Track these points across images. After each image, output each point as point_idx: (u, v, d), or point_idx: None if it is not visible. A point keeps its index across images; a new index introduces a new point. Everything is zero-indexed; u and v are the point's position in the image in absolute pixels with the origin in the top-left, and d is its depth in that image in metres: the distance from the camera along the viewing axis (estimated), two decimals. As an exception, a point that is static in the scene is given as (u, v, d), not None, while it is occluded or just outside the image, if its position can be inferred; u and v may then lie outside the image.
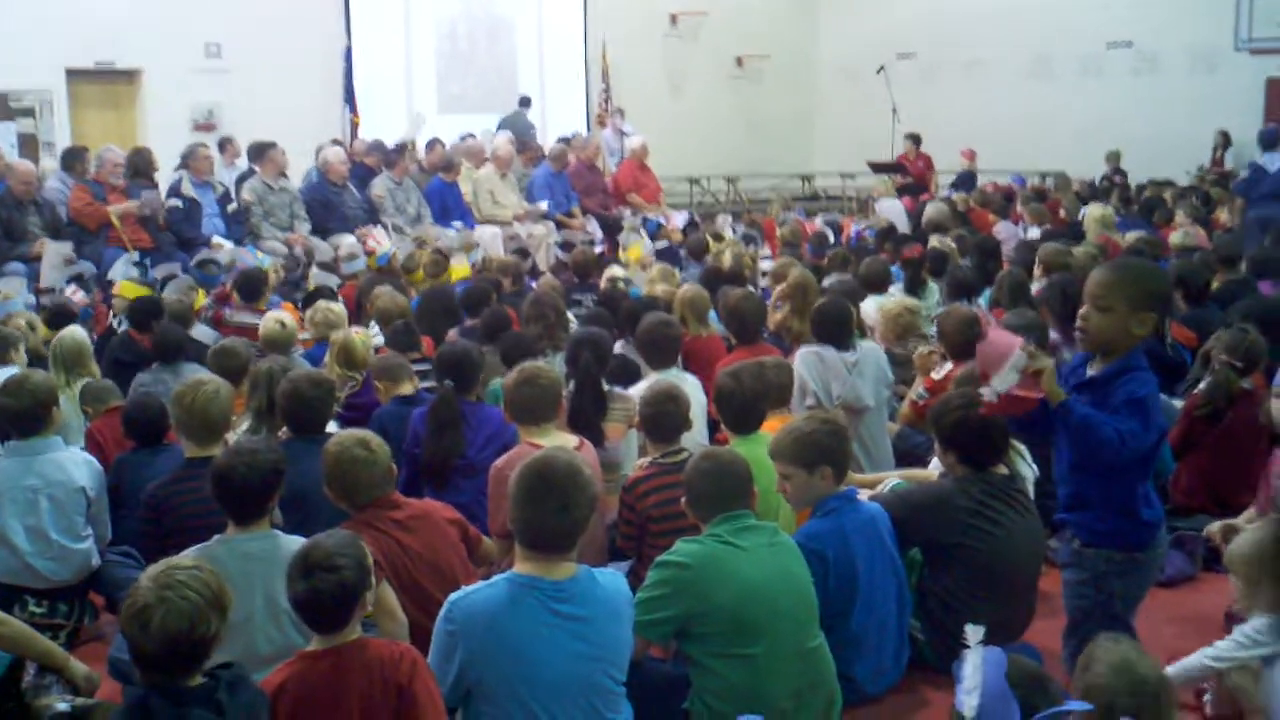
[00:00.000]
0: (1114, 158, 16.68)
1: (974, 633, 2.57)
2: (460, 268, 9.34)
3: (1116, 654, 2.75)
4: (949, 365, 5.75)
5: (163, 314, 7.19)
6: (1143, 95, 17.51)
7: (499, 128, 14.93)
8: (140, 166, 10.74)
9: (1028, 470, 4.67)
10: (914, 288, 8.18)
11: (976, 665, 2.53)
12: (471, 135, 14.23)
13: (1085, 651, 2.83)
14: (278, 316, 6.80)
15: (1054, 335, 6.40)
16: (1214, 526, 4.63)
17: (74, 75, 13.75)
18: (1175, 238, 10.28)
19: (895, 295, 7.75)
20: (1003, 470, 4.25)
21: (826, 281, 7.75)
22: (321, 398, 4.81)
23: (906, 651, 4.09)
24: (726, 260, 9.40)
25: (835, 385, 5.61)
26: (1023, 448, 4.66)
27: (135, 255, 9.23)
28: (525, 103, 16.12)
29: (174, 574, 2.77)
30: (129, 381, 6.17)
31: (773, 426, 4.51)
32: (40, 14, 12.93)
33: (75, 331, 6.38)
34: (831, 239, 11.30)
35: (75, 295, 8.26)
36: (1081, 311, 3.56)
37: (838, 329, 5.82)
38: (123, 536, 4.79)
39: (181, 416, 4.47)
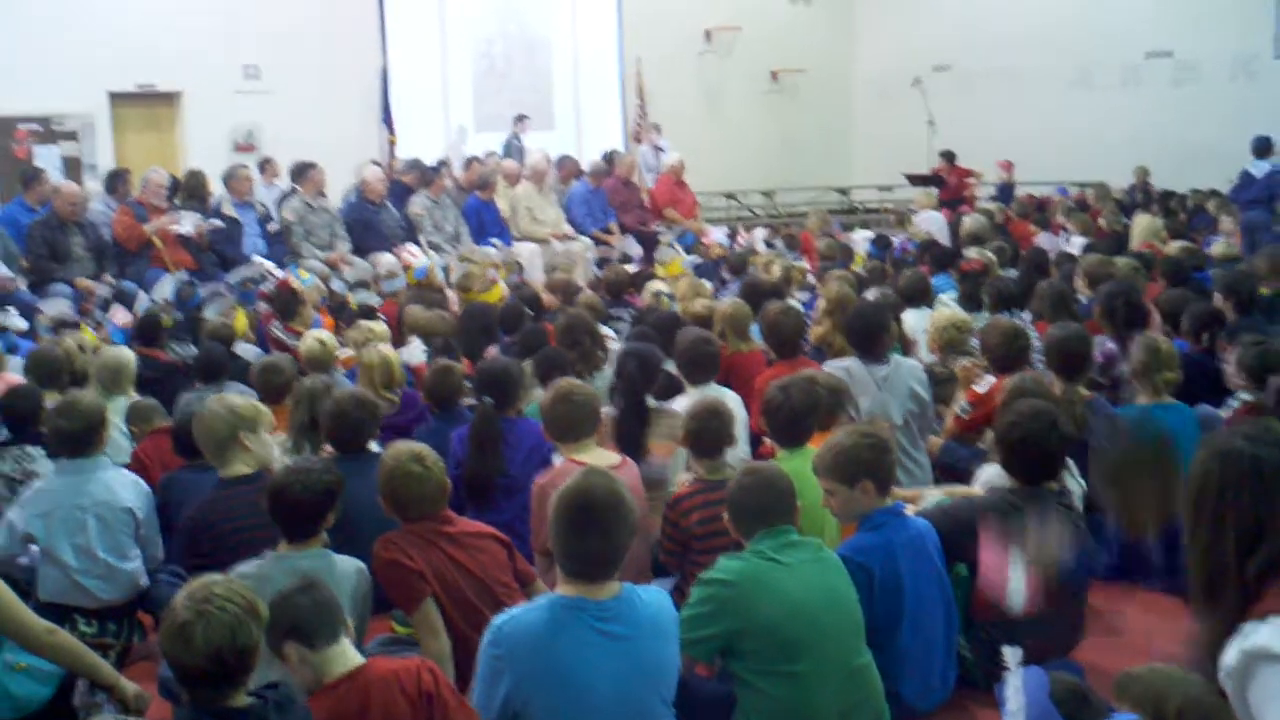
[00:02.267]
0: (1141, 172, 16.54)
1: (1012, 654, 2.55)
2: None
3: (1149, 667, 2.72)
4: (992, 378, 5.70)
5: (160, 329, 7.58)
6: (1184, 104, 17.34)
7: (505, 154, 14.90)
8: (194, 189, 10.88)
9: (1076, 484, 4.62)
10: (970, 301, 7.97)
11: (1018, 687, 2.51)
12: (494, 153, 14.28)
13: (1117, 682, 2.79)
14: (317, 335, 6.84)
15: (1110, 346, 6.33)
16: None
17: (116, 98, 13.93)
18: (1218, 248, 10.18)
19: (948, 308, 7.58)
20: (1050, 484, 4.21)
21: (869, 295, 7.68)
22: (365, 418, 4.86)
23: (954, 670, 4.05)
24: (775, 272, 9.35)
25: (863, 400, 5.55)
26: (1070, 461, 4.61)
27: (184, 274, 9.29)
28: (517, 120, 16.12)
29: (209, 589, 2.80)
30: (159, 398, 6.29)
31: (814, 442, 4.49)
32: (82, 39, 13.10)
33: (120, 352, 6.44)
34: (873, 253, 11.23)
35: (117, 316, 8.33)
36: None
37: (869, 340, 5.76)
38: (172, 556, 4.82)
39: (196, 436, 4.58)
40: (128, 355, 6.41)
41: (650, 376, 5.38)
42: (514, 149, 15.13)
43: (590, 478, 3.21)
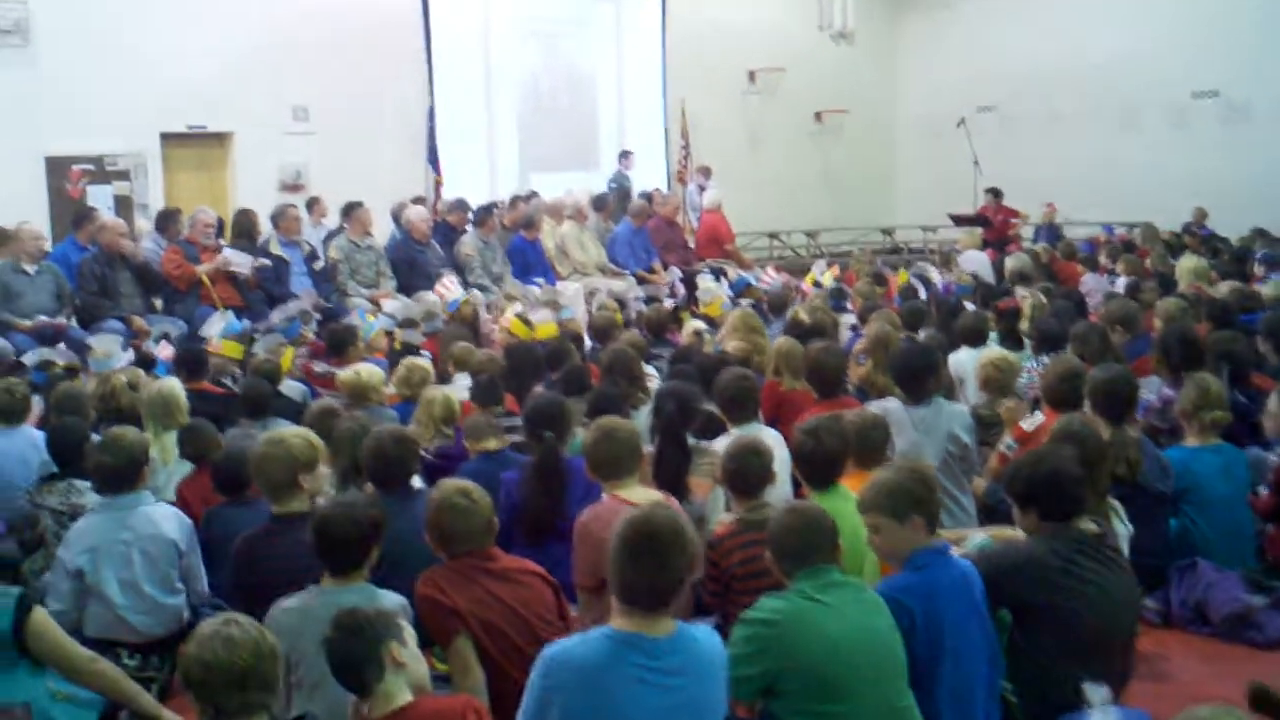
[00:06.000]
0: (1200, 213, 16.34)
1: (1094, 691, 2.47)
2: (547, 325, 9.39)
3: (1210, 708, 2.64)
4: (1040, 416, 5.63)
5: (206, 363, 7.49)
6: (1232, 145, 17.20)
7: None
8: (245, 228, 11.01)
9: (1122, 528, 4.56)
10: (1009, 341, 7.93)
11: None
12: (535, 194, 14.40)
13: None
14: (358, 368, 6.91)
15: (1167, 390, 6.23)
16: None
17: (168, 139, 14.12)
18: (1268, 289, 10.03)
19: (993, 349, 7.51)
20: (1093, 527, 4.15)
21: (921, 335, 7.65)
22: (404, 455, 4.84)
23: (997, 713, 3.98)
24: (804, 316, 9.34)
25: (900, 441, 5.48)
26: (1118, 505, 4.56)
27: (231, 316, 9.38)
28: (622, 156, 16.41)
29: (215, 623, 2.89)
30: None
31: (854, 480, 4.45)
32: (135, 81, 13.29)
33: (164, 384, 6.43)
34: (923, 293, 11.16)
35: (164, 351, 8.41)
36: None
37: (911, 379, 5.73)
38: (215, 591, 4.84)
39: (254, 475, 4.60)
40: (172, 384, 6.38)
41: (689, 415, 5.36)
42: (620, 184, 15.35)
43: (656, 509, 3.25)
